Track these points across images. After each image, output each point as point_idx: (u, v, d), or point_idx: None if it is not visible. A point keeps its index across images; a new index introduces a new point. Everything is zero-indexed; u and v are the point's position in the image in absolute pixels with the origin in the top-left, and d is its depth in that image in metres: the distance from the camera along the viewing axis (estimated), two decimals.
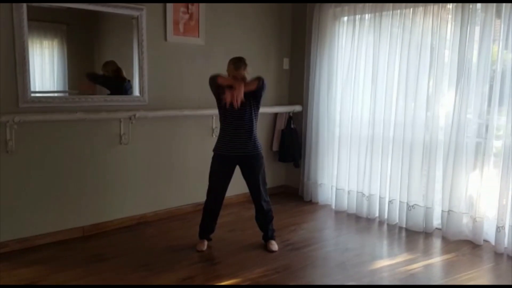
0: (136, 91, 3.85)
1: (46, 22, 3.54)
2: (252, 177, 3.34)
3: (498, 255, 3.41)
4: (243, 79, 3.18)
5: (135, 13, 3.74)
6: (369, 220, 4.21)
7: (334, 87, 4.52)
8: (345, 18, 4.42)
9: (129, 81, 3.87)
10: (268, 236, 3.47)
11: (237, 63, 3.22)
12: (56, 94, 3.58)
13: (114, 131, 3.75)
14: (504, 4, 3.37)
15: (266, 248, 3.41)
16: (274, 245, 3.43)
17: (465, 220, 3.69)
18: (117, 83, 3.85)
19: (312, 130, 4.70)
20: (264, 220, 3.43)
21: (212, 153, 3.39)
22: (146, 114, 3.81)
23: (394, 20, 4.00)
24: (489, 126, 3.51)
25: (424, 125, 3.85)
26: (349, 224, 4.14)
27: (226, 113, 3.26)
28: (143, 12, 3.77)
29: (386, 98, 4.07)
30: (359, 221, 4.21)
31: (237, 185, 4.14)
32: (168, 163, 4.13)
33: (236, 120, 3.25)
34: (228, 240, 3.62)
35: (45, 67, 3.58)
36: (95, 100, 3.61)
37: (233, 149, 3.27)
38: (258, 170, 3.34)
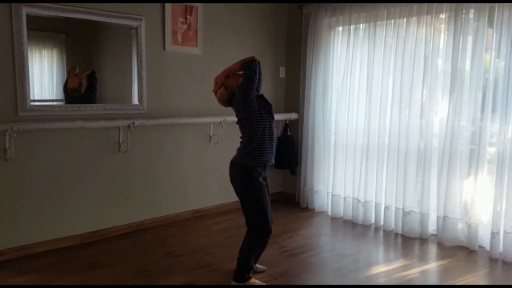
0: (135, 100, 3.89)
1: (46, 32, 3.57)
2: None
3: (493, 260, 3.46)
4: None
5: (134, 23, 3.78)
6: (365, 226, 4.25)
7: (329, 96, 4.58)
8: (340, 28, 4.49)
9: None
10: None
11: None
12: (55, 103, 3.61)
13: (113, 139, 3.78)
14: (496, 13, 3.44)
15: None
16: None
17: (460, 226, 3.74)
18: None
19: (308, 138, 4.75)
20: None
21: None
22: (144, 122, 3.85)
23: (388, 30, 4.07)
24: (482, 133, 3.57)
25: (419, 133, 3.91)
26: (345, 230, 4.18)
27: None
28: (142, 22, 3.82)
29: (381, 106, 4.13)
30: (355, 227, 4.25)
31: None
32: (166, 170, 4.16)
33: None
34: (225, 247, 3.64)
35: (44, 76, 3.62)
36: (94, 109, 3.64)
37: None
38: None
